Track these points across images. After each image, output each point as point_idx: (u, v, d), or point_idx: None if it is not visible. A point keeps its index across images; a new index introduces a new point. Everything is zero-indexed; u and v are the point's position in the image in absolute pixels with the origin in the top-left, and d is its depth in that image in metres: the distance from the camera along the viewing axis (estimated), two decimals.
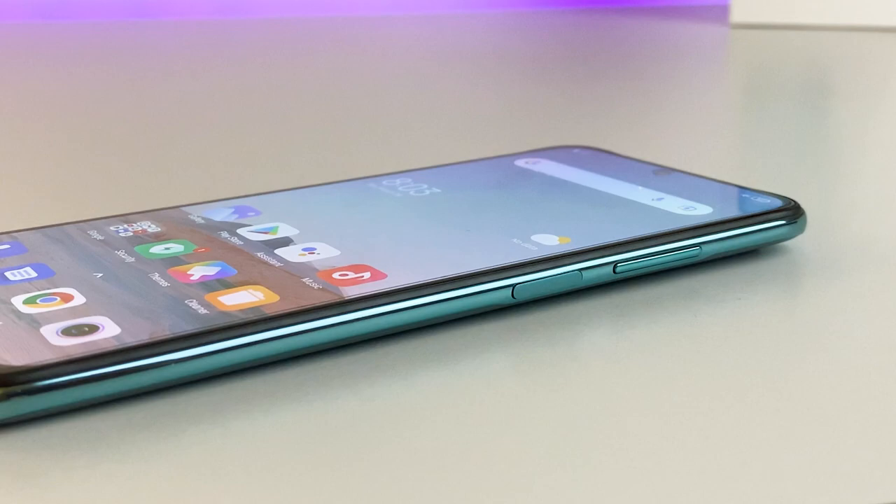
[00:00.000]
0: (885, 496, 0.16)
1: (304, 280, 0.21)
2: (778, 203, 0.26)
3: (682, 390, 0.19)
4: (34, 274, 0.22)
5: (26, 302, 0.20)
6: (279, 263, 0.22)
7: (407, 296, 0.21)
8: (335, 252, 0.23)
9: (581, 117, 0.44)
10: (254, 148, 0.38)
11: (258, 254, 0.23)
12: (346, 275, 0.22)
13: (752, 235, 0.25)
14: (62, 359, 0.18)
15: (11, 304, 0.20)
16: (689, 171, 0.30)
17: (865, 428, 0.18)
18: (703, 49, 0.64)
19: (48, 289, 0.21)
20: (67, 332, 0.19)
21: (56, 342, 0.19)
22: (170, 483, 0.16)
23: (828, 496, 0.16)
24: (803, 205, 0.26)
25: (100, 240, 0.24)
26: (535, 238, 0.24)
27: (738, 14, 0.70)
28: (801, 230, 0.26)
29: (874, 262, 0.26)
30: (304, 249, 0.23)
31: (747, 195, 0.27)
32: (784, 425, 0.18)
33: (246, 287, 0.21)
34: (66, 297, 0.21)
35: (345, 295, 0.21)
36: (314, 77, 0.53)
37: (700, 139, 0.40)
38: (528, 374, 0.20)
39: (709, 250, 0.24)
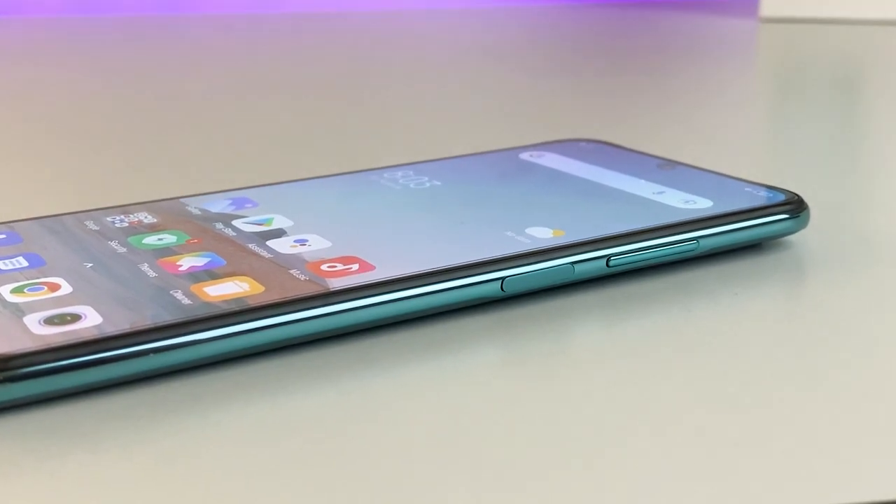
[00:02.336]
0: (884, 494, 0.16)
1: (291, 271, 0.21)
2: (780, 197, 0.26)
3: (669, 385, 0.19)
4: (25, 263, 0.22)
5: (14, 291, 0.20)
6: (269, 255, 0.22)
7: (392, 288, 0.21)
8: (327, 244, 0.23)
9: (604, 112, 0.43)
10: (261, 140, 0.38)
11: (249, 245, 0.23)
12: (335, 266, 0.22)
13: (751, 230, 0.25)
14: (41, 347, 0.18)
15: None
16: (694, 164, 0.29)
17: (860, 428, 0.18)
18: (731, 44, 0.63)
19: (37, 278, 0.21)
20: (50, 321, 0.19)
21: (37, 331, 0.19)
22: (142, 472, 0.16)
23: (819, 496, 0.16)
24: (813, 200, 0.26)
25: (95, 230, 0.24)
26: (529, 231, 0.24)
27: (767, 8, 0.69)
28: (803, 225, 0.25)
29: (878, 259, 0.25)
30: (296, 241, 0.23)
31: (750, 189, 0.26)
32: (774, 423, 0.18)
33: (233, 278, 0.21)
34: (54, 287, 0.21)
35: (330, 287, 0.20)
36: (335, 70, 0.53)
37: (723, 135, 0.40)
38: (513, 367, 0.20)
39: (706, 244, 0.24)
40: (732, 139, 0.39)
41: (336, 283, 0.21)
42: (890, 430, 0.17)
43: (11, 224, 0.24)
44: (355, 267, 0.22)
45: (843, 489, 0.16)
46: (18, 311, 0.20)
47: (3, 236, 0.23)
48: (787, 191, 0.26)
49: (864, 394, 0.19)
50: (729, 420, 0.18)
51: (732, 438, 0.17)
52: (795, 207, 0.25)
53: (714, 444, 0.17)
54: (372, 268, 0.21)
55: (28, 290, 0.21)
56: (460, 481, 0.16)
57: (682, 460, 0.16)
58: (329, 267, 0.22)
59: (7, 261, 0.22)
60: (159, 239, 0.23)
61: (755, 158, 0.36)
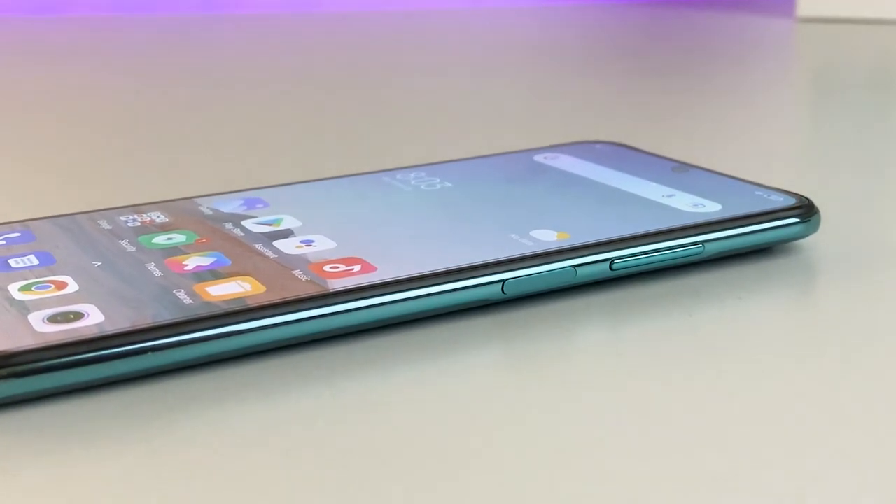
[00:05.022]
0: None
1: (294, 272, 0.22)
2: (791, 201, 0.25)
3: (667, 389, 0.19)
4: (36, 262, 0.22)
5: (22, 289, 0.21)
6: (274, 255, 0.23)
7: (392, 289, 0.21)
8: (332, 245, 0.23)
9: (635, 113, 0.43)
10: (279, 140, 0.38)
11: (256, 245, 0.23)
12: (337, 267, 0.22)
13: (758, 234, 0.24)
14: (41, 345, 0.18)
15: (7, 290, 0.21)
16: (709, 167, 0.29)
17: (863, 436, 0.17)
18: (767, 44, 0.63)
19: (46, 276, 0.21)
20: (53, 319, 0.19)
21: (40, 329, 0.19)
22: (134, 469, 0.16)
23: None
24: (830, 203, 0.26)
25: (107, 229, 0.24)
26: (534, 233, 0.24)
27: (805, 7, 0.69)
28: (814, 229, 0.25)
29: (891, 264, 0.25)
30: (302, 242, 0.23)
31: (761, 193, 0.26)
32: (773, 430, 0.18)
33: (236, 278, 0.21)
34: (61, 285, 0.21)
35: (330, 288, 0.21)
36: (359, 70, 0.53)
37: (751, 137, 0.39)
38: (511, 369, 0.20)
39: (712, 248, 0.24)
40: (760, 141, 0.39)
41: (336, 284, 0.21)
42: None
43: (26, 222, 0.25)
44: (357, 268, 0.22)
45: (848, 497, 0.16)
46: (24, 308, 0.20)
47: (18, 234, 0.24)
48: (798, 194, 0.26)
49: (868, 402, 0.19)
50: (727, 426, 0.18)
51: (730, 444, 0.17)
52: (806, 211, 0.25)
53: (712, 450, 0.17)
54: (374, 269, 0.22)
55: (36, 287, 0.21)
56: (455, 483, 0.16)
57: (681, 465, 0.16)
58: (331, 268, 0.22)
59: (19, 259, 0.23)
60: (168, 238, 0.24)
61: (778, 161, 0.36)
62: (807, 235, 0.25)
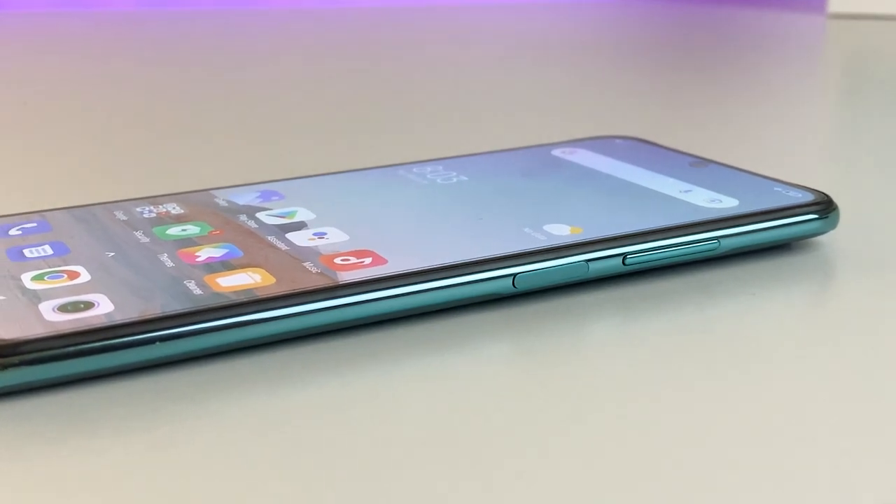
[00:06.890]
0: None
1: (304, 264, 0.22)
2: (809, 197, 0.25)
3: (677, 386, 0.19)
4: (50, 252, 0.22)
5: (34, 278, 0.21)
6: (286, 247, 0.23)
7: (400, 282, 0.21)
8: (344, 237, 0.23)
9: (661, 109, 0.43)
10: (300, 133, 0.38)
11: (269, 237, 0.23)
12: (348, 260, 0.22)
13: (775, 230, 0.24)
14: (50, 334, 0.18)
15: (20, 279, 0.21)
16: (727, 163, 0.29)
17: (868, 435, 0.17)
18: (797, 40, 0.62)
19: (59, 266, 0.22)
20: (63, 308, 0.20)
21: (50, 318, 0.19)
22: (135, 458, 0.16)
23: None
24: (850, 200, 0.25)
25: (123, 220, 0.24)
26: (547, 228, 0.23)
27: (835, 4, 0.68)
28: (832, 225, 0.25)
29: None
30: (315, 234, 0.23)
31: (779, 189, 0.26)
32: (779, 428, 0.17)
33: (246, 269, 0.21)
34: (73, 275, 0.21)
35: (339, 280, 0.21)
36: (381, 65, 0.53)
37: (775, 133, 0.39)
38: (519, 363, 0.20)
39: (728, 244, 0.24)
40: (784, 137, 0.38)
41: (345, 277, 0.21)
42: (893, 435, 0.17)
43: (44, 213, 0.25)
44: (368, 261, 0.22)
45: (863, 495, 0.16)
46: (36, 297, 0.20)
47: (34, 225, 0.24)
48: (817, 190, 0.26)
49: (884, 400, 0.18)
50: (739, 423, 0.17)
51: (741, 442, 0.17)
52: (824, 208, 0.25)
53: (722, 448, 0.17)
54: (384, 261, 0.22)
55: (48, 277, 0.21)
56: (464, 477, 0.16)
57: (691, 462, 0.16)
58: (342, 260, 0.22)
59: (33, 248, 0.23)
60: (183, 230, 0.24)
61: (801, 157, 0.36)
62: (825, 232, 0.25)
